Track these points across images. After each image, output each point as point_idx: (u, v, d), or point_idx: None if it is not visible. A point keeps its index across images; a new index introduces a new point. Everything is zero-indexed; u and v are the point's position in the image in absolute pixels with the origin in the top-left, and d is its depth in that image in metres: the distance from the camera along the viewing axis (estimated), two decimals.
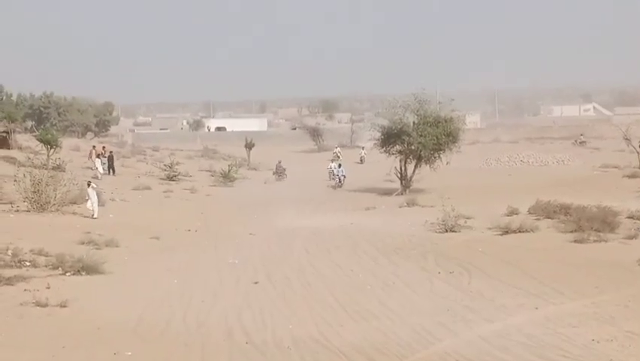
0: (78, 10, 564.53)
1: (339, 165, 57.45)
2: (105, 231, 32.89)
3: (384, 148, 51.36)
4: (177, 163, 58.82)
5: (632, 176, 50.69)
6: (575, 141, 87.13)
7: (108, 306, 21.77)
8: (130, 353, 17.59)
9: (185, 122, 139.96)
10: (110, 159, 55.93)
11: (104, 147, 58.09)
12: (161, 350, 17.92)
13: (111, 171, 55.49)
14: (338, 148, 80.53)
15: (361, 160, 74.62)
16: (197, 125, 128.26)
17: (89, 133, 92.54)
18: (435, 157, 49.84)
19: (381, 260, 28.19)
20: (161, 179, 55.70)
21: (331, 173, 57.38)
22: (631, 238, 29.51)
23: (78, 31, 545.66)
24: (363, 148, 74.86)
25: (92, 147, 57.80)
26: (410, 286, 24.00)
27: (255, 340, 18.66)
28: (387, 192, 48.69)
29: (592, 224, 30.77)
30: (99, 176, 51.57)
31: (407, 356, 17.23)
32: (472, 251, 29.05)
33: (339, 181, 55.56)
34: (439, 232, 33.43)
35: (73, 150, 61.83)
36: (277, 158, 64.24)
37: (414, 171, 50.40)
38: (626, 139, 63.63)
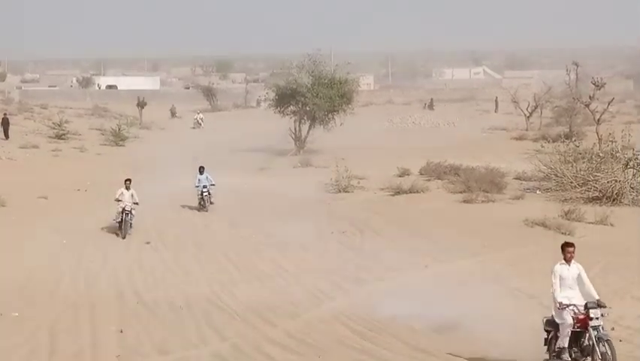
0: None
1: (201, 171, 31.41)
2: None
3: (279, 108, 51.22)
4: (66, 121, 57.43)
5: (520, 138, 52.13)
6: (425, 104, 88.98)
7: None
8: (17, 315, 17.20)
9: (74, 80, 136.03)
10: (5, 122, 53.60)
11: None
12: (49, 311, 17.56)
13: (4, 134, 53.22)
14: (200, 114, 72.91)
15: (196, 124, 70.49)
16: (87, 82, 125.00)
17: None
18: (329, 118, 50.07)
19: (275, 221, 28.20)
20: (49, 137, 54.22)
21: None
22: (517, 198, 30.43)
23: None
24: (199, 112, 73.67)
25: None
26: (304, 246, 24.13)
27: (147, 300, 18.50)
28: (281, 153, 48.67)
29: (480, 185, 31.57)
30: None
31: (300, 315, 17.36)
32: (365, 211, 29.37)
33: (203, 199, 31.04)
34: (333, 193, 33.67)
35: None
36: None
37: (308, 131, 50.50)
38: (514, 102, 65.33)
